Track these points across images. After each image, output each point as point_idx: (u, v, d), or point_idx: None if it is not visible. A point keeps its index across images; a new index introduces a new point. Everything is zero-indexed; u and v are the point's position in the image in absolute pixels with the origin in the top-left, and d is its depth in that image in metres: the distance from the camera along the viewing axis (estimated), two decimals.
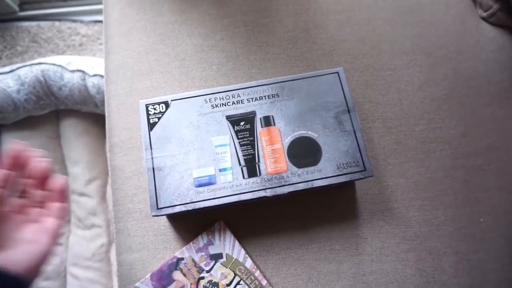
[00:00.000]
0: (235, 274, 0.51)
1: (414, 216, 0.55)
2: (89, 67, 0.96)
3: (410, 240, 0.54)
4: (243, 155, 0.49)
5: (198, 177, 0.48)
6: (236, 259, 0.52)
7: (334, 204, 0.55)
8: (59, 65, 0.96)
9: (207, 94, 0.52)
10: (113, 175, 0.58)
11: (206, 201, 0.47)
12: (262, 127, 0.50)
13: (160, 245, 0.54)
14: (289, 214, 0.55)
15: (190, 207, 0.47)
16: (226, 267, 0.51)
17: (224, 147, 0.49)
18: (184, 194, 0.48)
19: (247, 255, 0.52)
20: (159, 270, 0.51)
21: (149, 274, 0.51)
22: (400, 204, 0.56)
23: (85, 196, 0.99)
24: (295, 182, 0.48)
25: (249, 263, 0.51)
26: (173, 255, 0.52)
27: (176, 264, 0.51)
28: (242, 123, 0.50)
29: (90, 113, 1.03)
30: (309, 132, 0.50)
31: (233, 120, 0.51)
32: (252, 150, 0.49)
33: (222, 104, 0.51)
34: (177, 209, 0.47)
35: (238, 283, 0.50)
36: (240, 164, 0.49)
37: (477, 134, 0.58)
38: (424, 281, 0.53)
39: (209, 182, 0.48)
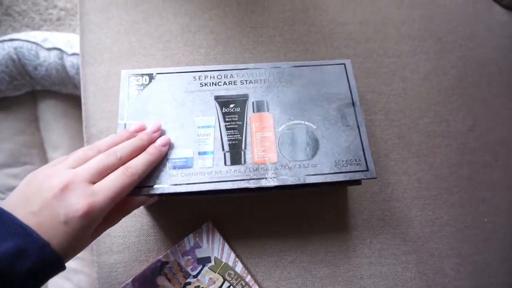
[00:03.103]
0: (224, 279, 0.47)
1: (416, 216, 0.52)
2: (67, 45, 0.88)
3: (411, 242, 0.51)
4: (228, 140, 0.44)
5: (174, 158, 0.43)
6: (225, 263, 0.48)
7: (331, 202, 0.51)
8: (33, 42, 0.88)
9: (197, 71, 0.47)
10: None
11: (178, 186, 0.41)
12: (254, 112, 0.45)
13: (143, 246, 0.50)
14: (282, 214, 0.51)
15: (158, 190, 0.41)
16: (215, 272, 0.47)
17: (208, 129, 0.44)
18: (155, 176, 0.42)
19: (237, 259, 0.48)
20: (142, 275, 0.47)
21: (130, 279, 0.47)
22: (401, 203, 0.52)
23: None
24: (284, 175, 0.43)
25: (239, 268, 0.48)
26: (157, 259, 0.48)
27: (160, 268, 0.47)
28: (231, 106, 0.45)
29: (70, 94, 0.96)
30: (306, 123, 0.45)
31: (222, 102, 0.45)
32: (239, 135, 0.44)
33: (212, 83, 0.46)
34: (144, 192, 0.41)
35: None
36: (223, 149, 0.43)
37: (486, 128, 0.54)
38: (425, 284, 0.50)
39: (185, 165, 0.42)
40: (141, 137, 0.41)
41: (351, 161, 0.44)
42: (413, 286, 0.50)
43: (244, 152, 0.44)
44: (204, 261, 0.48)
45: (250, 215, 0.50)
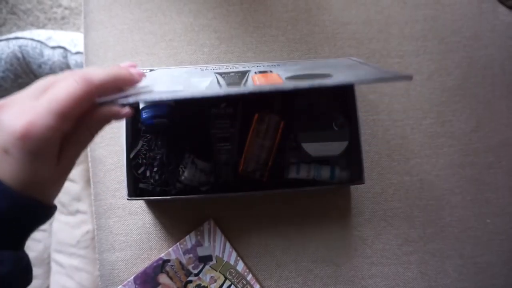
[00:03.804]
0: (226, 278, 0.47)
1: (418, 217, 0.52)
2: (71, 43, 0.88)
3: (413, 242, 0.51)
4: (226, 83, 0.38)
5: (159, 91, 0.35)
6: (226, 261, 0.48)
7: (333, 202, 0.51)
8: (38, 41, 0.89)
9: (199, 66, 0.46)
10: (93, 167, 0.53)
11: (156, 94, 0.33)
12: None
13: (145, 244, 0.50)
14: (284, 214, 0.51)
15: (131, 98, 0.31)
16: (216, 271, 0.47)
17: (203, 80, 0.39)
18: (126, 89, 0.33)
19: (238, 258, 0.48)
20: (143, 273, 0.47)
21: (132, 277, 0.47)
22: (403, 203, 0.52)
23: (69, 181, 0.94)
24: (296, 81, 0.35)
25: (240, 266, 0.48)
26: (158, 257, 0.48)
27: (161, 266, 0.48)
28: (233, 74, 0.41)
29: None
30: (317, 72, 0.39)
31: (223, 73, 0.42)
32: (238, 80, 0.39)
33: (213, 68, 0.45)
34: (110, 98, 0.31)
35: None
36: (219, 84, 0.37)
37: (489, 129, 0.54)
38: (426, 285, 0.50)
39: (172, 91, 0.36)
40: (113, 68, 0.33)
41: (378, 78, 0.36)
42: (415, 286, 0.50)
43: (244, 84, 0.38)
44: (206, 259, 0.48)
45: (251, 214, 0.50)
